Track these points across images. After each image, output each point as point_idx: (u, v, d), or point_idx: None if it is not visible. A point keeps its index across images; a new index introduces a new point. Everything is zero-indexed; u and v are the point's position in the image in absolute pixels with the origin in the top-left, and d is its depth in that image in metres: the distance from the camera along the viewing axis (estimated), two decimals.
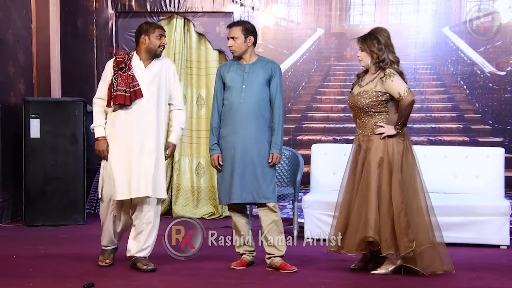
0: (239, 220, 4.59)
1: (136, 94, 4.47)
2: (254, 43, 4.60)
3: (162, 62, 4.62)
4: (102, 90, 4.57)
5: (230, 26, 4.62)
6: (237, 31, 4.55)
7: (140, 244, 4.53)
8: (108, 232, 4.59)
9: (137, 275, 4.40)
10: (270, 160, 4.50)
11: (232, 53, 4.60)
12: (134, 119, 4.48)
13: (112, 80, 4.48)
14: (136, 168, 4.45)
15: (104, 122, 4.56)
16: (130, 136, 4.47)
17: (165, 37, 4.60)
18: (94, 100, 4.60)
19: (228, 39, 4.58)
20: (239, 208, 4.61)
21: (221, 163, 4.55)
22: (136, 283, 4.22)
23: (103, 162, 4.57)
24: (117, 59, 4.54)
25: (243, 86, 4.52)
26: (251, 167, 4.47)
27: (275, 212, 4.52)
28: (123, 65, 4.50)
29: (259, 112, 4.51)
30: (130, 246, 4.57)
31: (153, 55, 4.57)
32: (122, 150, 4.48)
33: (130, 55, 4.58)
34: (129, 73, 4.48)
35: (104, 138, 4.52)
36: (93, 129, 4.59)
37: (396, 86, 4.39)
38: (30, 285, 4.12)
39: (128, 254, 4.58)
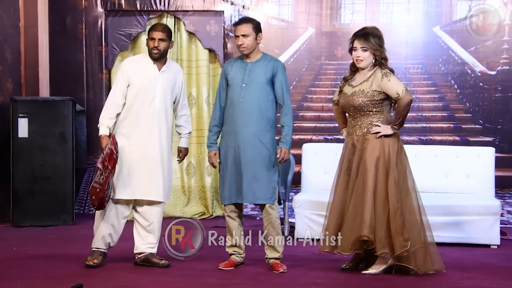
0: (232, 222, 4.54)
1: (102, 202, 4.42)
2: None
3: (174, 67, 4.68)
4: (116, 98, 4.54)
5: (240, 23, 4.43)
6: (249, 28, 4.40)
7: (150, 240, 4.60)
8: (106, 234, 4.57)
9: (126, 276, 4.36)
10: (278, 156, 4.41)
11: (242, 51, 4.43)
12: (149, 122, 4.51)
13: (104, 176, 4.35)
14: (150, 171, 4.52)
15: (112, 125, 4.52)
16: (143, 139, 4.51)
17: (155, 39, 4.48)
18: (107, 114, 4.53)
19: (237, 37, 4.41)
20: (234, 209, 4.54)
21: (218, 160, 4.52)
22: (126, 284, 4.18)
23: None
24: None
25: (243, 85, 4.42)
26: (251, 167, 4.39)
27: (273, 213, 4.47)
28: None
29: (259, 112, 4.40)
30: (138, 244, 4.63)
31: (153, 58, 4.54)
32: (136, 152, 4.50)
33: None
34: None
35: (107, 135, 4.47)
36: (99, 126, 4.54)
37: (394, 86, 4.36)
38: (17, 287, 4.07)
39: (139, 251, 4.62)
